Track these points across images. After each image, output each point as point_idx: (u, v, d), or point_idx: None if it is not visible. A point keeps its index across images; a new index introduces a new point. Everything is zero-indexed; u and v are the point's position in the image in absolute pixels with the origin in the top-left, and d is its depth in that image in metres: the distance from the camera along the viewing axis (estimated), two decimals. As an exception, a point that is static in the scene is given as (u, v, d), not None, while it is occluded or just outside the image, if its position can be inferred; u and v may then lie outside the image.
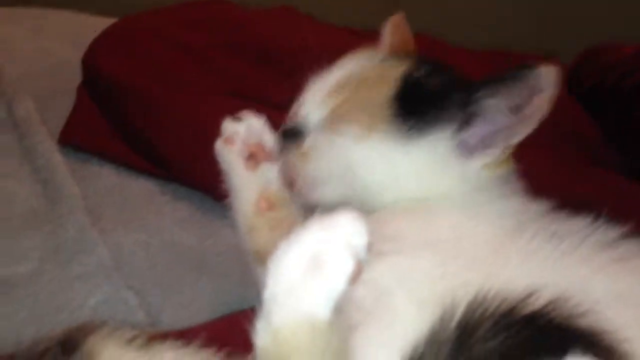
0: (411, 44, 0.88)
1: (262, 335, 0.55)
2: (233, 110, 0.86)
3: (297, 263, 0.55)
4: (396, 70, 0.75)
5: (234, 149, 0.81)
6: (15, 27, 1.48)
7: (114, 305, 0.89)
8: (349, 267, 0.54)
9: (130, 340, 0.59)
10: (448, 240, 0.68)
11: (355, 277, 0.55)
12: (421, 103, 0.72)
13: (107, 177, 1.10)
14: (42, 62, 1.35)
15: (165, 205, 1.02)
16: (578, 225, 0.68)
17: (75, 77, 1.24)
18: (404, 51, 0.85)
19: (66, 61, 1.30)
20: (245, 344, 0.57)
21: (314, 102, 0.77)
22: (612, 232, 0.68)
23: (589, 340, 0.55)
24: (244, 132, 0.81)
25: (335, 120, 0.74)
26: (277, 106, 0.87)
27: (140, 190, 1.08)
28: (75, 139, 1.14)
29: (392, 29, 0.87)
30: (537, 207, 0.73)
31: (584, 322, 0.55)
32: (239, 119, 0.83)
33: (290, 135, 0.77)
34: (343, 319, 0.57)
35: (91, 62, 1.23)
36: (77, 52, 1.26)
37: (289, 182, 0.79)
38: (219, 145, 0.83)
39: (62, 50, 1.39)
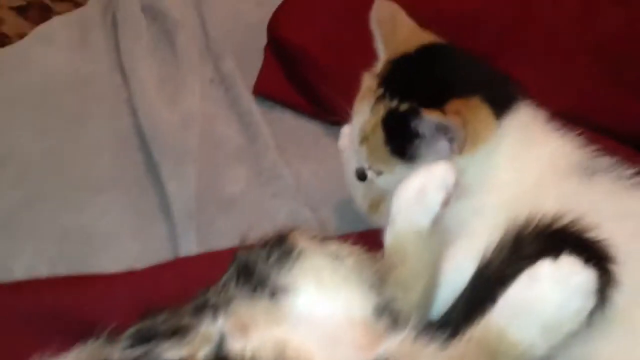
0: (404, 29, 0.91)
1: (389, 237, 0.77)
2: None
3: (410, 193, 0.77)
4: (378, 114, 0.86)
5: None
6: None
7: (297, 216, 1.09)
8: (441, 195, 0.76)
9: (314, 237, 0.76)
10: (507, 184, 0.84)
11: (446, 202, 0.76)
12: (403, 141, 0.84)
13: (288, 120, 1.27)
14: (237, 23, 1.46)
15: (330, 143, 1.11)
16: (606, 162, 0.83)
17: (265, 35, 1.36)
18: (397, 46, 0.89)
19: (257, 22, 1.39)
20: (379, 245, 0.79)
21: (357, 154, 0.89)
22: (629, 169, 0.82)
23: (588, 246, 0.70)
24: None
25: (373, 165, 0.88)
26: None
27: (312, 130, 1.23)
28: (265, 90, 1.30)
29: (379, 22, 0.91)
30: (572, 145, 0.86)
31: (590, 234, 0.71)
32: None
33: (360, 173, 0.90)
34: (439, 233, 0.77)
35: (274, 27, 1.34)
36: (266, 13, 1.38)
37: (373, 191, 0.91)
38: (344, 143, 0.97)
39: (253, 12, 1.48)
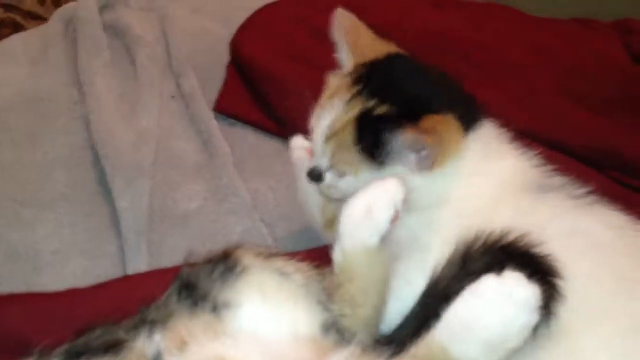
0: (367, 38, 0.91)
1: (337, 254, 0.76)
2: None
3: (358, 211, 0.75)
4: (352, 111, 0.83)
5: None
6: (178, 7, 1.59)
7: (252, 233, 1.09)
8: (390, 213, 0.75)
9: (260, 253, 0.75)
10: (462, 199, 0.84)
11: (395, 219, 0.75)
12: (373, 144, 0.82)
13: (248, 137, 1.28)
14: (201, 41, 1.48)
15: (288, 159, 1.04)
16: (560, 181, 0.85)
17: (227, 53, 1.39)
18: (363, 52, 0.89)
19: (222, 39, 1.42)
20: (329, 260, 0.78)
21: (319, 153, 0.87)
22: (581, 189, 0.84)
23: (534, 262, 0.70)
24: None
25: (335, 165, 0.86)
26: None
27: (272, 147, 1.24)
28: (226, 107, 1.31)
29: (344, 30, 0.90)
30: (529, 164, 0.87)
31: (536, 250, 0.71)
32: None
33: (315, 174, 0.88)
34: (388, 249, 0.76)
35: (236, 46, 1.38)
36: (231, 30, 1.42)
37: (326, 197, 0.92)
38: (300, 153, 0.97)
39: (218, 29, 1.50)
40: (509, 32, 1.41)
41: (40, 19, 1.90)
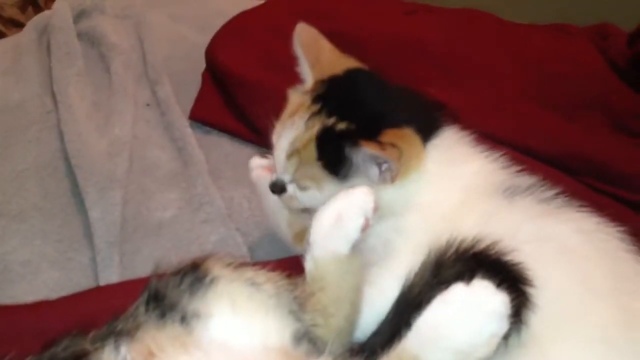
0: (327, 53, 0.91)
1: (309, 263, 0.77)
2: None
3: (328, 220, 0.76)
4: (313, 129, 0.85)
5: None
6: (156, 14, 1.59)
7: (227, 242, 1.09)
8: (360, 221, 0.76)
9: (230, 264, 0.74)
10: (430, 205, 0.85)
11: (365, 228, 0.76)
12: (335, 160, 0.84)
13: (224, 145, 1.28)
14: (178, 48, 1.49)
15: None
16: (528, 184, 0.85)
17: (204, 61, 1.39)
18: (323, 68, 0.90)
19: (199, 47, 1.41)
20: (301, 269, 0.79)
21: (281, 169, 0.88)
22: (549, 191, 0.84)
23: (505, 270, 0.70)
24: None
25: (298, 180, 0.87)
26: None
27: (247, 155, 1.16)
28: (201, 115, 1.31)
29: (304, 46, 0.91)
30: (496, 167, 0.88)
31: (508, 258, 0.71)
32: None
33: (278, 186, 0.90)
34: (360, 257, 0.77)
35: (211, 53, 1.38)
36: (207, 38, 1.41)
37: (288, 207, 0.93)
38: (258, 172, 0.99)
39: (195, 37, 1.51)
40: (482, 37, 1.42)
41: (21, 26, 1.88)
